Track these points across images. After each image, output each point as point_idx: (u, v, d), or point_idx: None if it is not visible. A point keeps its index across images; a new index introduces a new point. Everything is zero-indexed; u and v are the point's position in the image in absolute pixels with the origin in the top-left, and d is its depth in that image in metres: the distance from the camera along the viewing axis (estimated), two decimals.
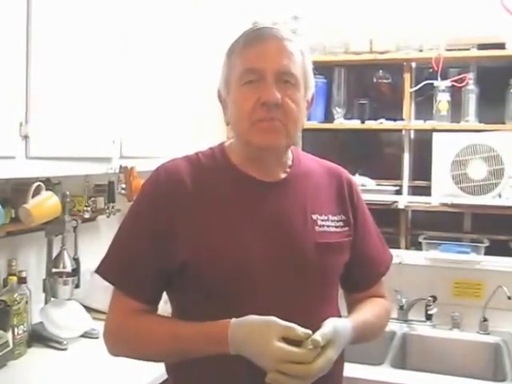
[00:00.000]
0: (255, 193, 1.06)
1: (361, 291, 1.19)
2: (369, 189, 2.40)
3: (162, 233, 1.02)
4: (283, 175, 1.10)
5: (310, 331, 0.93)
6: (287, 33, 1.05)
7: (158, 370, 1.41)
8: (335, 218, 1.11)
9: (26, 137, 1.38)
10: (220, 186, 1.06)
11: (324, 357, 0.93)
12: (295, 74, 1.03)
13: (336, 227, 1.10)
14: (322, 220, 1.08)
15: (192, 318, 1.00)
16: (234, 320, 0.95)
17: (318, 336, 0.93)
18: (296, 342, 0.92)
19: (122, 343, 1.06)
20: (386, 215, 2.44)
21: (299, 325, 0.93)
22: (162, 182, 1.05)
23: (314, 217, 1.08)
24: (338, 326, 0.99)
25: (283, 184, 1.09)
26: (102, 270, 1.07)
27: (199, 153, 1.11)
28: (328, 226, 1.09)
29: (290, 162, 1.12)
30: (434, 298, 2.21)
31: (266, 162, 1.08)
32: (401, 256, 2.26)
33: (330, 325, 0.97)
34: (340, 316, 1.11)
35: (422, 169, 2.47)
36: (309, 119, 2.35)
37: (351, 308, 1.17)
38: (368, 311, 1.13)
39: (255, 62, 1.01)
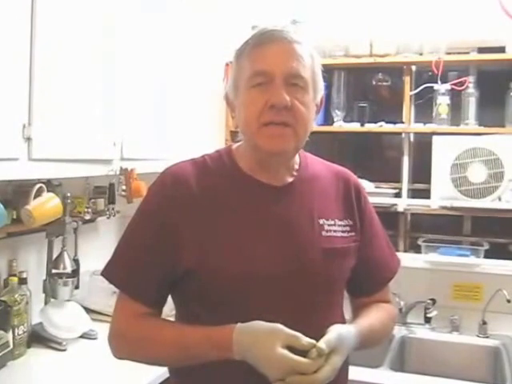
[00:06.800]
0: (261, 197, 1.05)
1: (366, 296, 1.18)
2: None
3: (166, 237, 1.01)
4: (290, 179, 1.09)
5: (314, 341, 0.92)
6: (297, 35, 1.03)
7: (158, 370, 1.42)
8: (342, 222, 1.09)
9: (28, 139, 1.38)
10: (226, 189, 1.05)
11: (329, 365, 0.92)
12: (304, 77, 1.02)
13: (343, 232, 1.09)
14: (329, 225, 1.07)
15: (196, 323, 0.99)
16: (239, 325, 0.94)
17: (322, 344, 0.92)
18: (300, 351, 0.91)
19: (126, 346, 1.05)
20: (385, 218, 2.42)
21: (304, 331, 0.92)
22: (167, 185, 1.05)
23: (321, 221, 1.06)
24: (342, 332, 0.98)
25: (290, 188, 1.08)
26: (107, 273, 1.06)
27: (206, 156, 1.10)
28: (335, 231, 1.07)
29: (296, 166, 1.11)
30: (433, 301, 2.21)
31: (274, 166, 1.06)
32: (400, 259, 2.25)
33: (334, 332, 0.96)
34: (344, 321, 1.10)
35: (422, 172, 2.46)
36: None
37: (356, 313, 1.16)
38: (373, 317, 1.12)
39: (264, 64, 1.00)
